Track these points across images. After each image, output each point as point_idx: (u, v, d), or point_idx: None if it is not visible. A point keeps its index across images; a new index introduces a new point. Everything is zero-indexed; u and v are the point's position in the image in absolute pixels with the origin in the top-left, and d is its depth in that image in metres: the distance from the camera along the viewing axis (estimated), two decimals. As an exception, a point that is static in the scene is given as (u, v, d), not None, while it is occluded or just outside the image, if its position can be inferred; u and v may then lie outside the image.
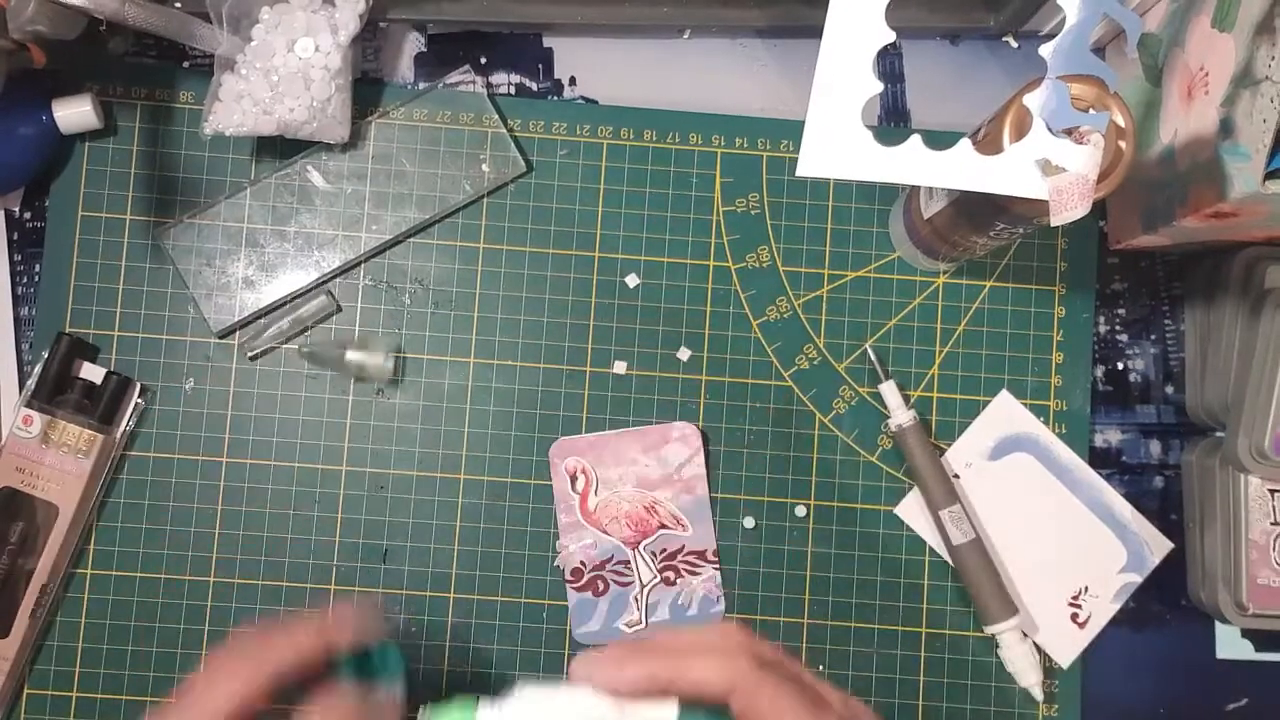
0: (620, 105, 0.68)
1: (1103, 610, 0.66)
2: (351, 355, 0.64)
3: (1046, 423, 0.67)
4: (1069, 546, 0.66)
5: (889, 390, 0.65)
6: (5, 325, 0.66)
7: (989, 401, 0.67)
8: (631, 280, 0.67)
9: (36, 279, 0.66)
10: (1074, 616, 0.66)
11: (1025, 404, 0.67)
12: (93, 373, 0.65)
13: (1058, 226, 0.60)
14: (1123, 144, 0.49)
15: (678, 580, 0.66)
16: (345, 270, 0.67)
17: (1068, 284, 0.68)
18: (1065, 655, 0.66)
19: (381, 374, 0.64)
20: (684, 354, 0.67)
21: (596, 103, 0.69)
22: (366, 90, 0.67)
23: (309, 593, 0.65)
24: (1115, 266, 0.69)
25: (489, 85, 0.68)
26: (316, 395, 0.66)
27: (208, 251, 0.66)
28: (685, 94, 0.69)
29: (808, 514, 0.66)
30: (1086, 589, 0.66)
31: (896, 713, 0.66)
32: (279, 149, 0.66)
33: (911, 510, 0.66)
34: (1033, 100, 0.48)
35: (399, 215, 0.67)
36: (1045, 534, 0.66)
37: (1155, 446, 0.69)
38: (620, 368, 0.67)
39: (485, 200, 0.67)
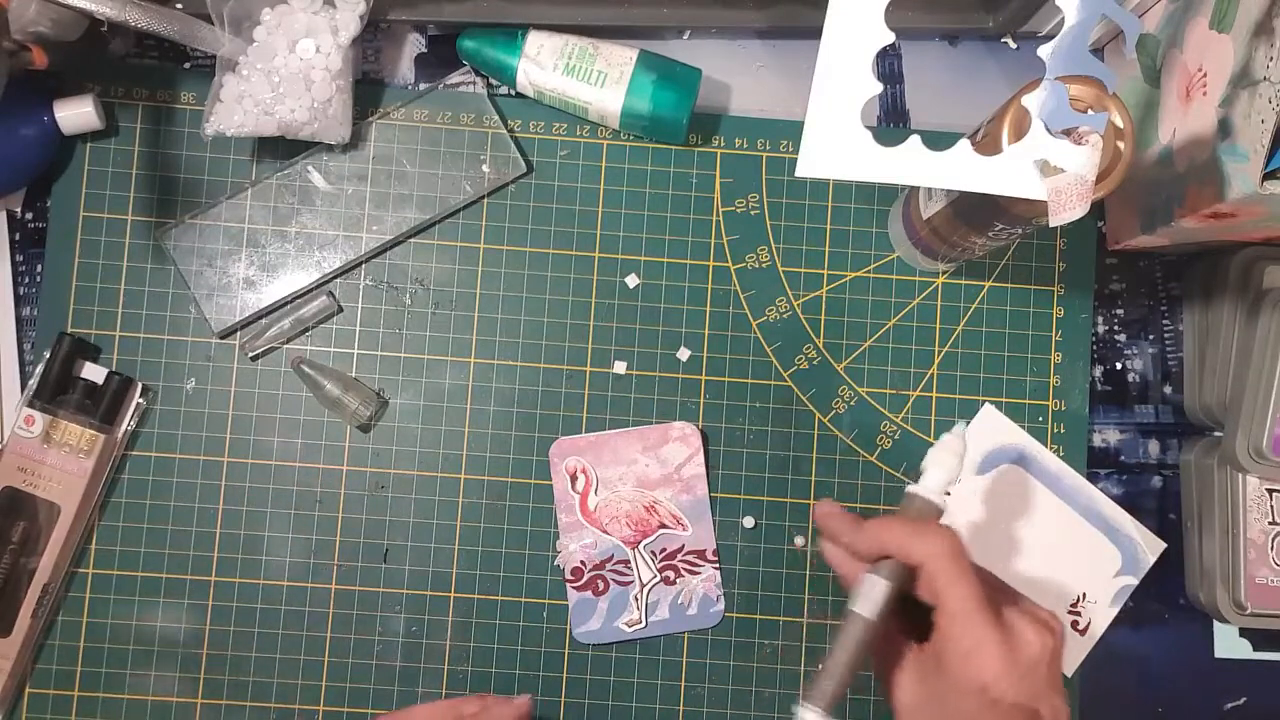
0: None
1: (1102, 615, 0.66)
2: (332, 389, 0.64)
3: (1045, 423, 0.67)
4: (1064, 555, 0.66)
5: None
6: (7, 325, 0.66)
7: (986, 402, 0.67)
8: (631, 280, 0.67)
9: (38, 279, 0.67)
10: (1074, 624, 0.66)
11: (1024, 403, 0.67)
12: (94, 373, 0.65)
13: (1056, 227, 0.60)
14: (1121, 145, 0.50)
15: (678, 579, 0.66)
16: (346, 271, 0.67)
17: (1066, 284, 0.68)
18: (1068, 664, 0.66)
19: (353, 419, 0.65)
20: (684, 354, 0.67)
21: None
22: (367, 91, 0.68)
23: (310, 592, 0.65)
24: (1114, 266, 0.69)
25: (489, 86, 0.68)
26: (317, 395, 0.66)
27: (209, 252, 0.66)
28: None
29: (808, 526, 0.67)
30: (1085, 595, 0.66)
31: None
32: (280, 149, 0.66)
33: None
34: (1031, 101, 0.48)
35: (399, 216, 0.67)
36: (1039, 544, 0.66)
37: (1154, 446, 0.69)
38: (620, 368, 0.67)
39: (485, 201, 0.67)
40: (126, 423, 0.65)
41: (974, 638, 0.47)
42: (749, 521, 0.66)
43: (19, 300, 0.67)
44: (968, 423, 0.53)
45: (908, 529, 0.49)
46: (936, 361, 0.68)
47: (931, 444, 0.66)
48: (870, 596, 0.49)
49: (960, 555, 0.47)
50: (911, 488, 0.52)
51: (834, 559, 0.53)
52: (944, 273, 0.68)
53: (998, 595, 0.49)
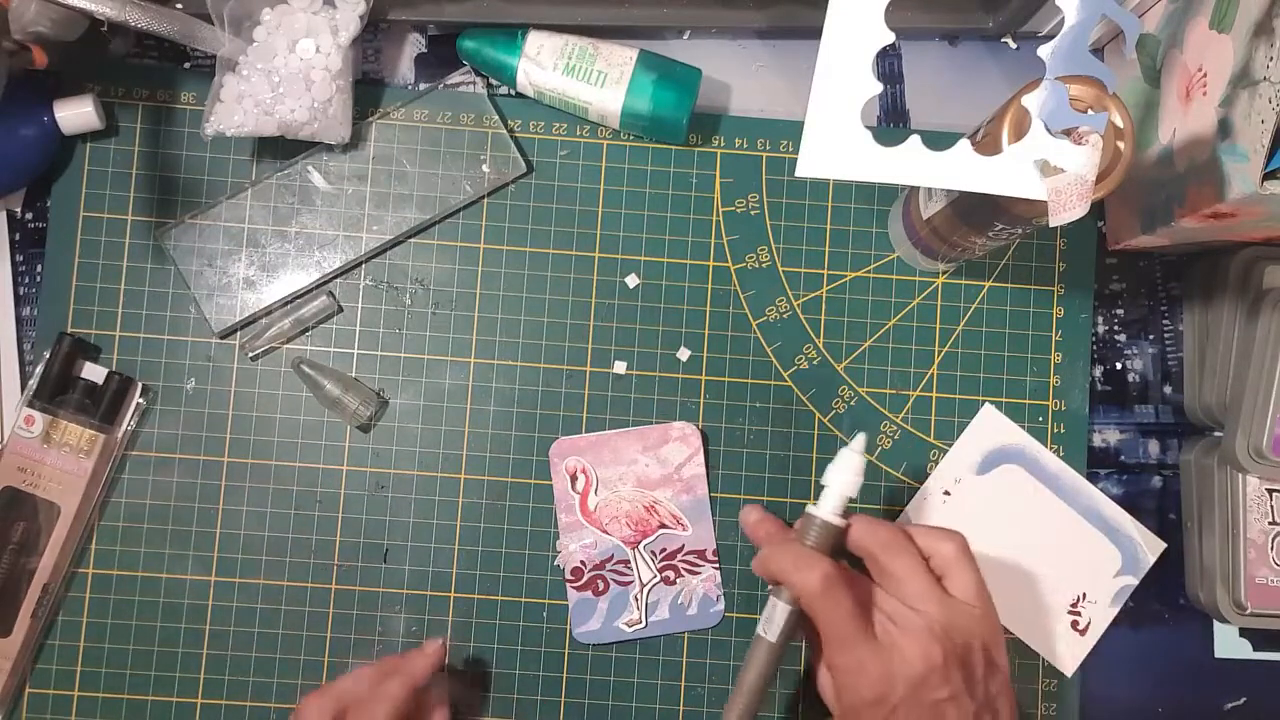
0: (620, 106, 0.69)
1: (1102, 615, 0.66)
2: (332, 389, 0.64)
3: (1045, 423, 0.67)
4: (1064, 554, 0.66)
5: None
6: (7, 325, 0.66)
7: (986, 402, 0.67)
8: (631, 280, 0.67)
9: (38, 279, 0.67)
10: (1074, 624, 0.66)
11: (1024, 404, 0.67)
12: (94, 373, 0.65)
13: (1056, 227, 0.60)
14: (1121, 144, 0.50)
15: (678, 579, 0.66)
16: (346, 271, 0.67)
17: (1066, 284, 0.68)
18: (1068, 664, 0.66)
19: (354, 419, 0.65)
20: (684, 354, 0.67)
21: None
22: (367, 91, 0.68)
23: (310, 592, 0.65)
24: (1114, 266, 0.69)
25: (489, 86, 0.68)
26: (317, 395, 0.66)
27: (209, 252, 0.66)
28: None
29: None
30: (1085, 595, 0.66)
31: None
32: (280, 149, 0.66)
33: (919, 511, 0.67)
34: (1031, 101, 0.48)
35: (399, 216, 0.67)
36: (1040, 544, 0.66)
37: (1154, 446, 0.69)
38: (620, 368, 0.67)
39: (485, 200, 0.67)
40: (126, 423, 0.65)
41: (854, 659, 0.50)
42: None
43: (19, 300, 0.67)
44: (867, 437, 0.57)
45: (789, 561, 0.53)
46: (936, 361, 0.68)
47: (932, 444, 0.67)
48: (773, 619, 0.53)
49: (830, 589, 0.51)
50: (810, 509, 0.55)
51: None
52: (944, 273, 0.68)
53: (879, 604, 0.52)
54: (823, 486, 0.55)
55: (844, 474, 0.55)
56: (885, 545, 0.53)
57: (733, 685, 0.54)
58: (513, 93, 0.68)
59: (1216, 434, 0.67)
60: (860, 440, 0.55)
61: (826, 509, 0.55)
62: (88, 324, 0.66)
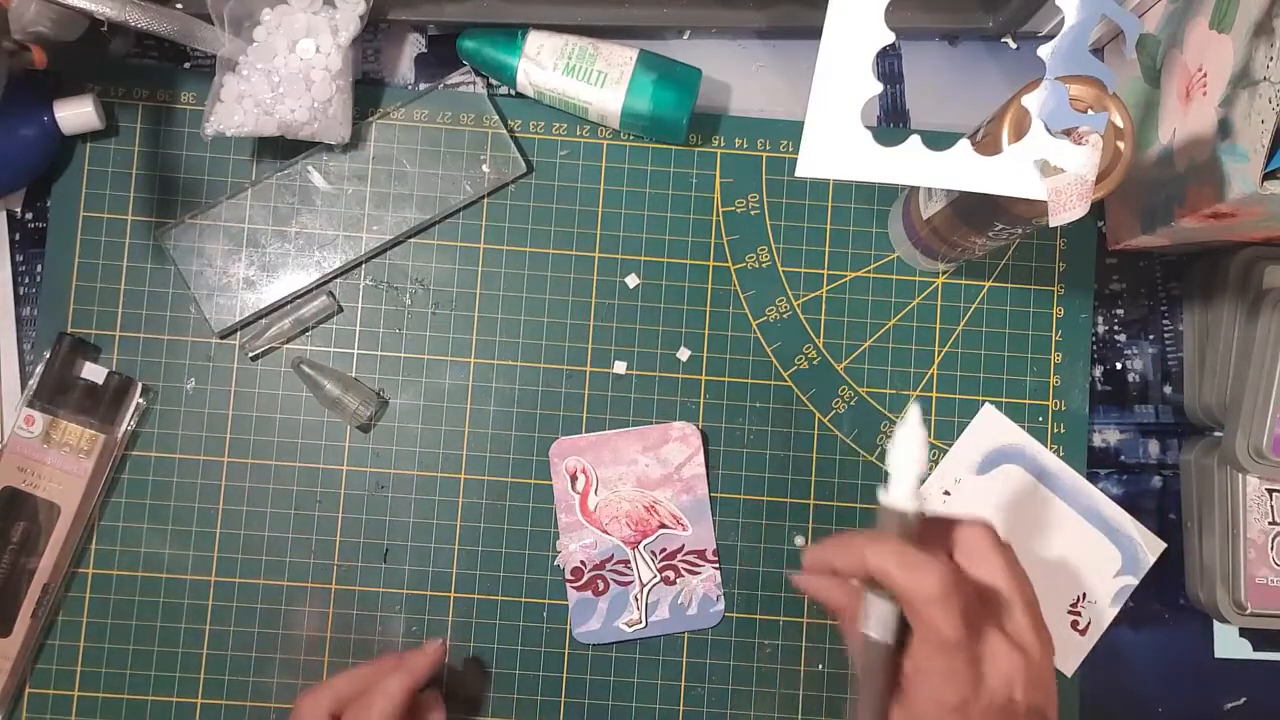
0: (620, 106, 0.68)
1: (1102, 615, 0.66)
2: (332, 389, 0.64)
3: (1045, 423, 0.67)
4: (1064, 554, 0.66)
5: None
6: (7, 325, 0.66)
7: (986, 402, 0.67)
8: (631, 280, 0.67)
9: (38, 279, 0.67)
10: (1074, 624, 0.66)
11: (1024, 404, 0.67)
12: (94, 373, 0.65)
13: (1056, 227, 0.60)
14: (1121, 144, 0.50)
15: (678, 579, 0.66)
16: (346, 271, 0.67)
17: (1066, 284, 0.68)
18: (1068, 664, 0.66)
19: (353, 419, 0.65)
20: (684, 354, 0.67)
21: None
22: (367, 91, 0.68)
23: (310, 592, 0.65)
24: (1114, 266, 0.69)
25: (489, 86, 0.68)
26: (317, 395, 0.66)
27: (209, 252, 0.66)
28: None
29: (808, 514, 0.67)
30: (1085, 595, 0.66)
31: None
32: (280, 149, 0.66)
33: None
34: (1031, 101, 0.48)
35: (399, 216, 0.67)
36: (1039, 544, 0.66)
37: (1154, 446, 0.69)
38: (620, 368, 0.67)
39: (485, 201, 0.67)
40: (126, 423, 0.65)
41: (946, 663, 0.46)
42: (799, 541, 0.66)
43: (19, 300, 0.67)
44: (921, 406, 0.50)
45: (897, 559, 0.47)
46: (936, 361, 0.68)
47: (932, 444, 0.67)
48: (883, 620, 0.48)
49: (949, 595, 0.46)
50: (884, 498, 0.49)
51: (820, 588, 0.52)
52: (944, 273, 0.68)
53: (986, 615, 0.48)
54: (887, 470, 0.49)
55: (911, 452, 0.49)
56: (990, 550, 0.49)
57: (851, 701, 0.47)
58: (513, 93, 0.68)
59: (1216, 434, 0.67)
60: (916, 413, 0.49)
61: (900, 495, 0.49)
62: (88, 324, 0.66)
